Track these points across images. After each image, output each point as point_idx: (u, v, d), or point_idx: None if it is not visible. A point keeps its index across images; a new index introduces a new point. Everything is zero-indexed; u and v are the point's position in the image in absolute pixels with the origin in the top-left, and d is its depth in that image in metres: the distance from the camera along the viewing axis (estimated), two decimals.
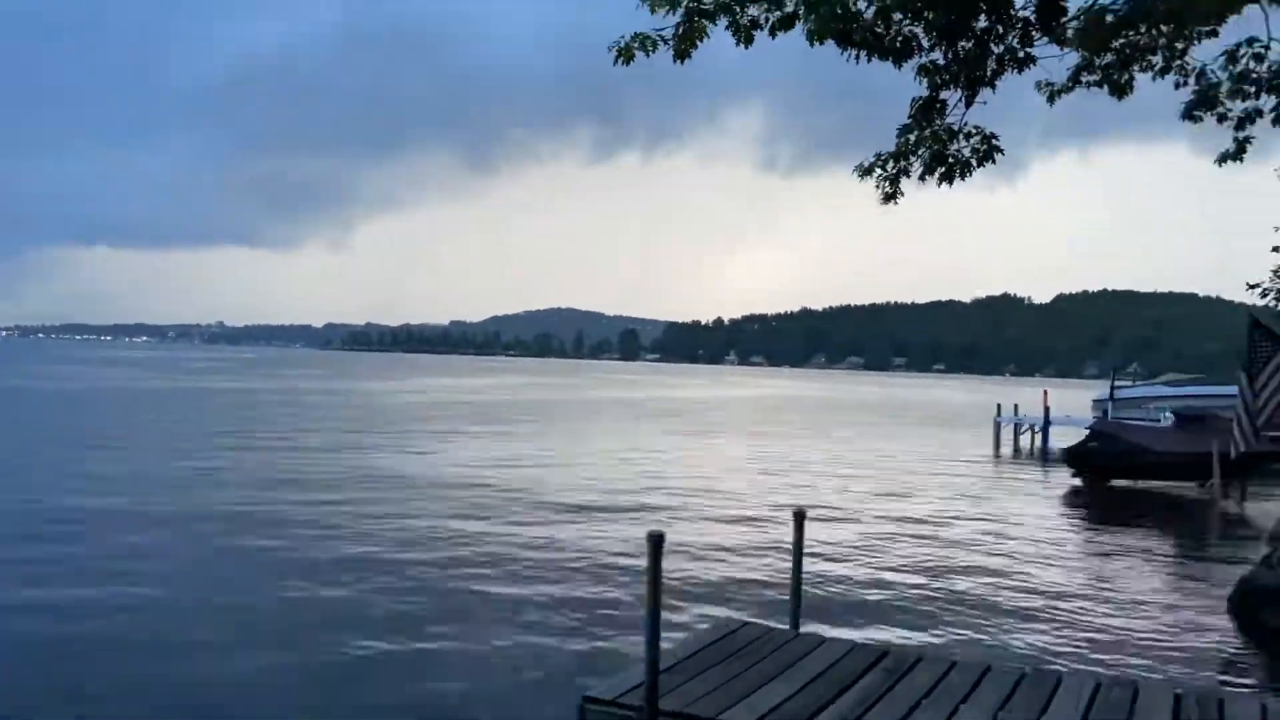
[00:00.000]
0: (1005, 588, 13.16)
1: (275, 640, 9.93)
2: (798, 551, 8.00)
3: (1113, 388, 39.52)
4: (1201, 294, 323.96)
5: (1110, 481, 25.72)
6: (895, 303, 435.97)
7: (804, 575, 8.33)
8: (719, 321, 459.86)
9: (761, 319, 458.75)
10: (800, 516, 8.08)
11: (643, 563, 6.20)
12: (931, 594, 12.65)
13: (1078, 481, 25.88)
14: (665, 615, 6.34)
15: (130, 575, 12.23)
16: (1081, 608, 12.19)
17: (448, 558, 13.88)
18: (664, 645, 6.36)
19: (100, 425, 34.15)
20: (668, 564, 7.09)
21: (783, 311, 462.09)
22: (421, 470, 23.82)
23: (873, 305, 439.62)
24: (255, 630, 10.23)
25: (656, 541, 5.79)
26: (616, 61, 6.82)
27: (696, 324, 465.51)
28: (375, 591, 11.84)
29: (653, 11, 6.51)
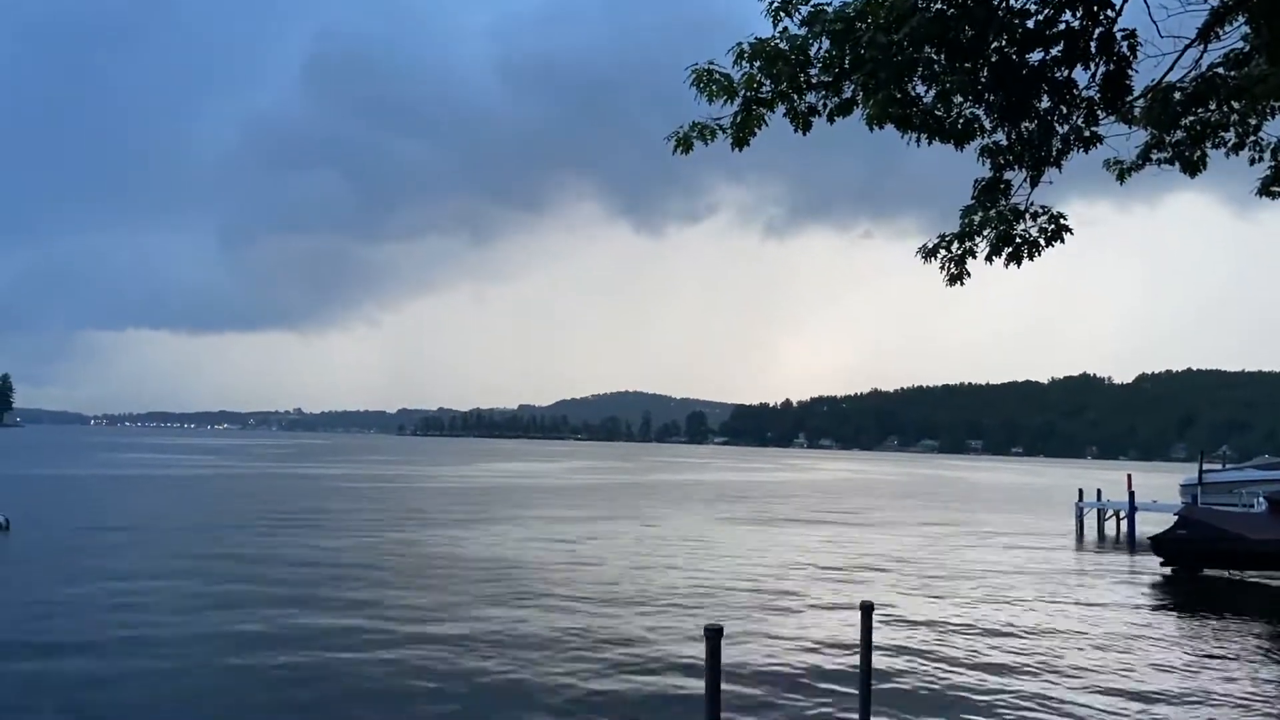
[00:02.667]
0: (1087, 687, 12.45)
1: None
2: (866, 645, 7.67)
3: (1201, 471, 37.81)
4: None
5: (1202, 571, 24.45)
6: (969, 383, 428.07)
7: (873, 671, 7.97)
8: (787, 403, 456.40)
9: (830, 400, 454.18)
10: (868, 609, 7.78)
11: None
12: (1009, 692, 12.02)
13: (1167, 571, 24.65)
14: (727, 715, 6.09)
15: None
16: (1177, 711, 11.45)
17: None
18: None
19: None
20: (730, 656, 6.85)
21: (852, 393, 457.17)
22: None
23: (946, 386, 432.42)
24: None
25: (715, 635, 5.59)
26: (675, 150, 6.90)
27: (764, 406, 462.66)
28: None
29: (710, 101, 6.60)
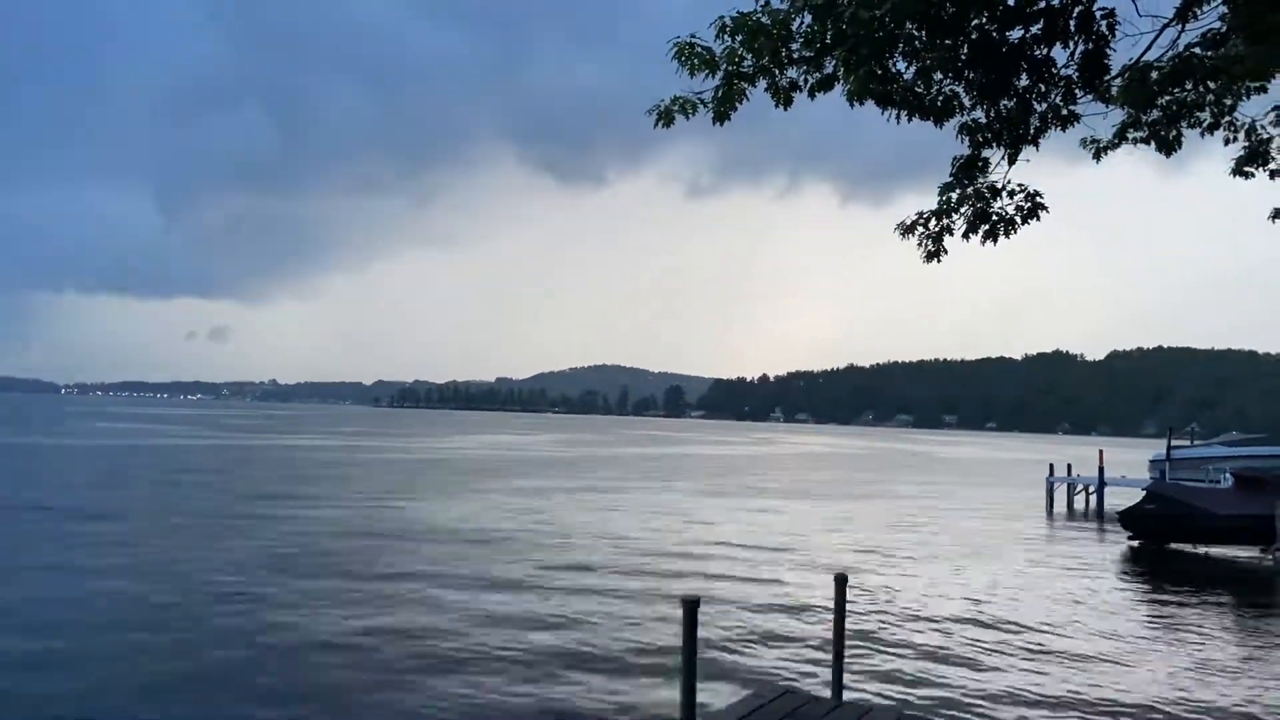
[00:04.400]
0: (1056, 657, 12.70)
1: None
2: (839, 616, 7.78)
3: (1170, 447, 38.40)
4: (1261, 351, 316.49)
5: (1168, 545, 24.90)
6: (944, 359, 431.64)
7: (846, 641, 8.09)
8: (764, 378, 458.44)
9: (808, 375, 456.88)
10: (842, 580, 7.88)
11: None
12: (979, 662, 12.25)
13: (1134, 544, 25.09)
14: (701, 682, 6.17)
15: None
16: (1139, 679, 11.71)
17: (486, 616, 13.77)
18: (700, 715, 6.19)
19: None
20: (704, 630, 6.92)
21: (829, 368, 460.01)
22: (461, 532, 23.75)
23: (921, 362, 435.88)
24: None
25: (692, 607, 5.66)
26: (657, 124, 6.87)
27: (742, 380, 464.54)
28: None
29: (692, 75, 6.56)
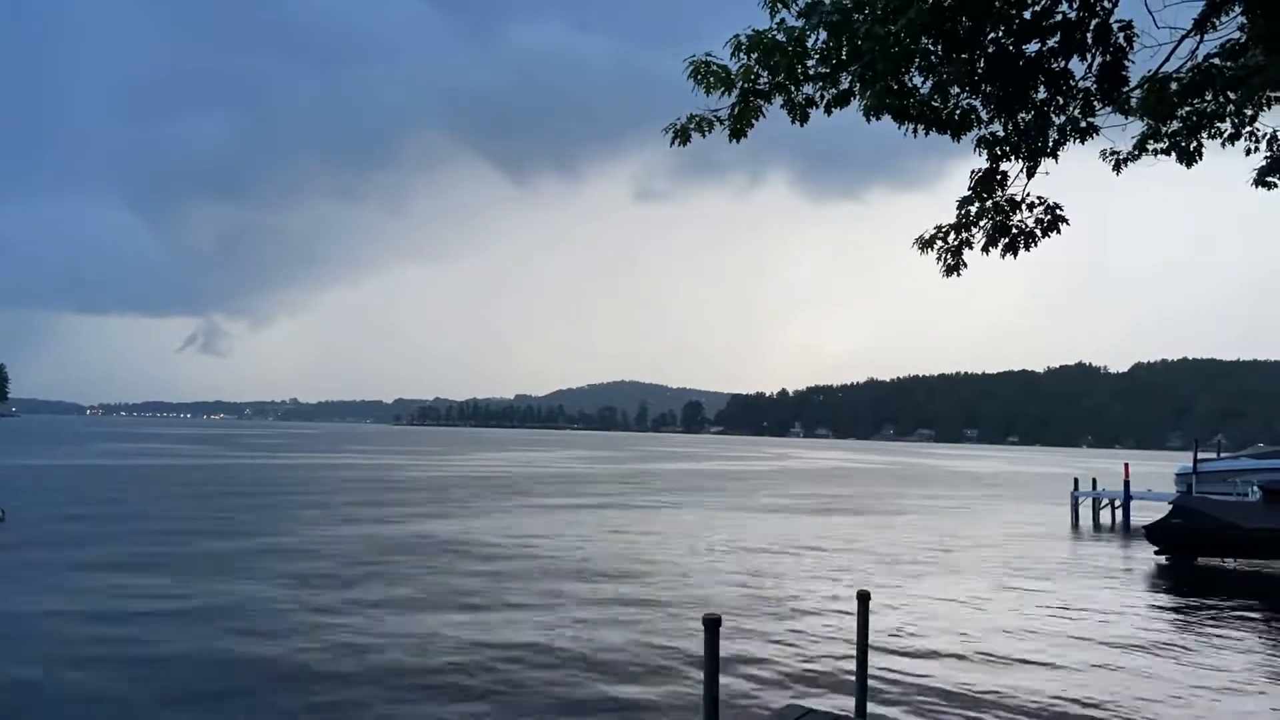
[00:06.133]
0: (1080, 678, 12.52)
1: None
2: (862, 635, 7.71)
3: (1196, 460, 37.93)
4: None
5: (1196, 559, 24.57)
6: (965, 373, 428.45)
7: (869, 661, 8.00)
8: (783, 393, 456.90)
9: (827, 390, 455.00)
10: (865, 598, 7.81)
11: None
12: (1003, 683, 12.08)
13: (1161, 560, 24.76)
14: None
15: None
16: (1173, 697, 11.52)
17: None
18: None
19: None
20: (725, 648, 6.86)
21: (849, 382, 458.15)
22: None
23: (942, 375, 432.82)
24: None
25: (713, 625, 5.62)
26: (673, 143, 6.89)
27: (761, 395, 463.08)
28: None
29: (708, 93, 6.58)
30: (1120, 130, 7.44)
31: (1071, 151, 7.25)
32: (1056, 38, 6.47)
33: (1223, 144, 7.59)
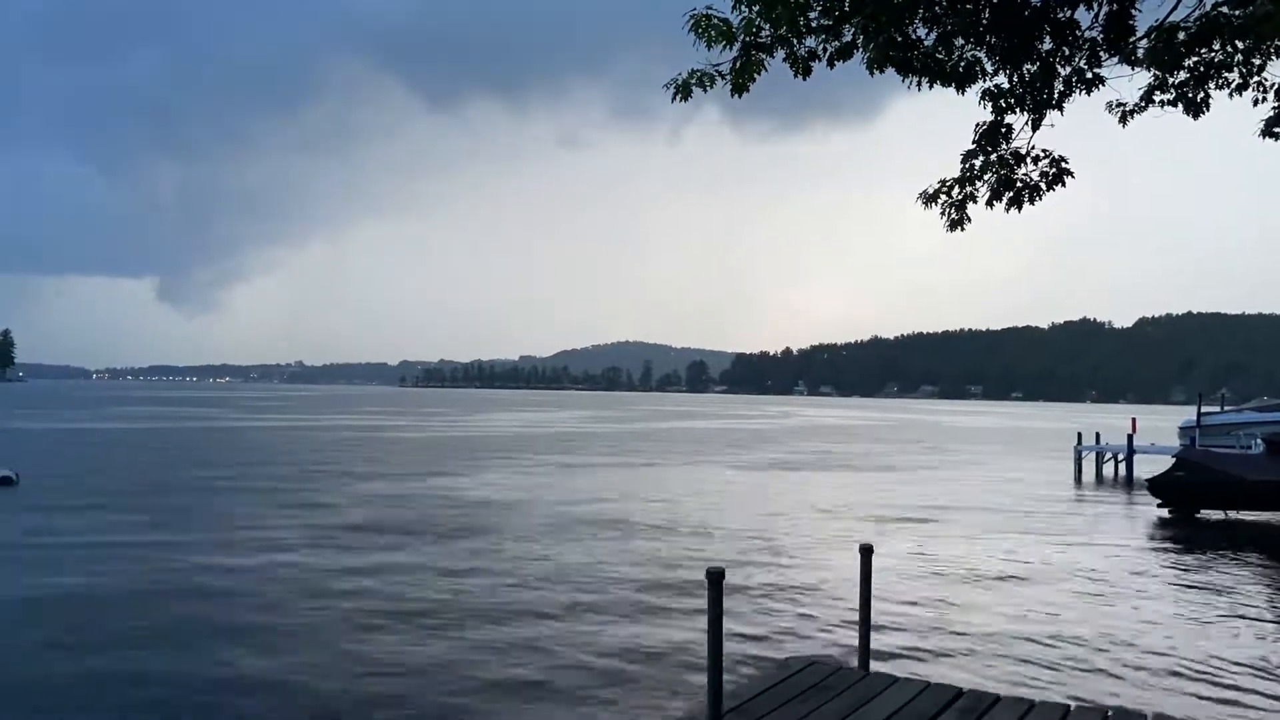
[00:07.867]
0: (1086, 627, 12.66)
1: None
2: (865, 587, 7.79)
3: (1200, 413, 37.98)
4: None
5: (1198, 512, 24.69)
6: (969, 329, 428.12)
7: (872, 613, 8.09)
8: (787, 352, 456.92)
9: (831, 348, 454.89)
10: (867, 551, 7.89)
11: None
12: (1009, 633, 12.23)
13: (1164, 512, 24.90)
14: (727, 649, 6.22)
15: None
16: (1171, 649, 11.65)
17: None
18: (727, 685, 6.23)
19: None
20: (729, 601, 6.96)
21: (853, 340, 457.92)
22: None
23: (945, 332, 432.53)
24: None
25: (717, 578, 5.69)
26: (675, 99, 6.83)
27: (765, 355, 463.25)
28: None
29: (709, 47, 6.51)
30: (1126, 81, 7.37)
31: (1077, 103, 7.18)
32: None
33: (1230, 95, 7.51)
